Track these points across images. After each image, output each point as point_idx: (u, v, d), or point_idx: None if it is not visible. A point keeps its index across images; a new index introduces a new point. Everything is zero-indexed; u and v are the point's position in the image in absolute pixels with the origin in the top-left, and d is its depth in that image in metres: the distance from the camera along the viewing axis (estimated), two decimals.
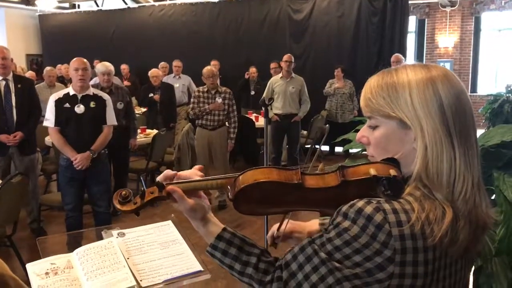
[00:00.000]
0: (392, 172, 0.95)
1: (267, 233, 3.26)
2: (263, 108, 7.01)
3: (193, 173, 1.14)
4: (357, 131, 2.17)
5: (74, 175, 4.02)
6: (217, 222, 1.13)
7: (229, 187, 1.06)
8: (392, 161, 0.99)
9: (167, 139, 6.52)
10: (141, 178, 6.18)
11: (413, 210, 0.91)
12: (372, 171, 0.96)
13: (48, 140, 5.64)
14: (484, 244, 1.57)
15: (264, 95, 6.81)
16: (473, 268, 1.63)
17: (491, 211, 1.01)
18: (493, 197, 1.72)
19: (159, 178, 1.12)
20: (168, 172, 1.14)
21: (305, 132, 7.82)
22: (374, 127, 1.03)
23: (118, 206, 1.08)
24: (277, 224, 1.35)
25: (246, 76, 8.81)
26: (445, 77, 0.99)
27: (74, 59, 4.09)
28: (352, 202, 0.94)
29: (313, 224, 1.40)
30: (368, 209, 0.91)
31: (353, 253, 0.91)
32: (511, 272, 1.55)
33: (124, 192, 1.09)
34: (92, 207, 4.31)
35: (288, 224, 1.35)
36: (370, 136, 1.04)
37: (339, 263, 0.92)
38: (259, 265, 1.05)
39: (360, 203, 0.92)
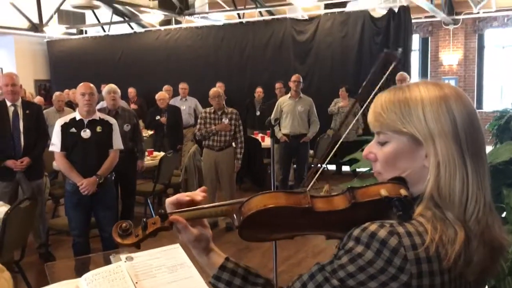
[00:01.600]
0: (403, 192, 0.93)
1: (275, 255, 3.24)
2: (271, 139, 7.05)
3: (196, 194, 1.09)
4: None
5: (80, 200, 4.01)
6: (219, 251, 1.10)
7: (234, 215, 1.02)
8: (399, 180, 0.96)
9: (173, 161, 6.54)
10: (148, 201, 6.16)
11: (427, 232, 0.89)
12: (383, 192, 0.93)
13: (56, 164, 5.66)
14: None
15: (272, 115, 6.84)
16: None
17: (505, 233, 0.99)
18: (503, 215, 1.70)
19: (167, 202, 1.08)
20: (179, 197, 1.09)
21: (311, 152, 7.81)
22: (383, 143, 1.00)
23: (118, 240, 1.02)
24: None
25: (256, 95, 8.87)
26: (458, 96, 0.98)
27: (81, 84, 4.14)
28: (364, 225, 0.90)
29: None
30: (382, 233, 0.88)
31: (368, 279, 0.87)
32: None
33: (124, 225, 1.02)
34: (99, 232, 4.30)
35: None
36: (378, 153, 1.02)
37: None
38: None
39: (373, 227, 0.89)
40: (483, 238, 0.92)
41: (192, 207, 1.06)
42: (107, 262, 1.72)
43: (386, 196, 0.92)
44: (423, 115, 0.95)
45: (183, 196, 1.08)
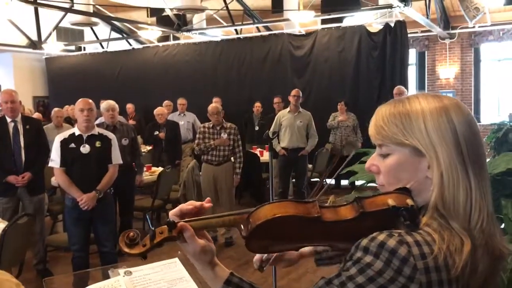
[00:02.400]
0: (409, 202, 0.93)
1: (275, 270, 3.22)
2: (269, 153, 7.05)
3: (199, 203, 1.09)
4: (362, 162, 2.18)
5: (80, 215, 4.01)
6: (223, 266, 1.08)
7: (242, 225, 1.00)
8: (404, 191, 0.97)
9: (172, 177, 6.53)
10: (147, 216, 6.14)
11: (434, 241, 0.89)
12: (391, 202, 0.93)
13: (54, 180, 5.65)
14: (499, 279, 1.54)
15: (271, 128, 6.88)
16: None
17: (505, 241, 1.00)
18: (502, 226, 1.70)
19: (171, 214, 1.05)
20: (182, 207, 1.07)
21: (310, 166, 7.82)
22: (385, 156, 1.01)
23: (126, 250, 0.99)
24: None
25: (254, 110, 8.90)
26: (457, 107, 0.99)
27: (80, 99, 4.16)
28: (372, 235, 0.90)
29: None
30: (391, 242, 0.87)
31: None
32: None
33: (131, 234, 1.00)
34: (98, 247, 4.28)
35: None
36: (381, 165, 1.02)
37: None
38: None
39: (382, 237, 0.89)
40: (487, 247, 0.93)
41: (199, 217, 1.04)
42: (106, 277, 1.71)
43: (394, 206, 0.92)
44: (425, 126, 0.96)
45: (185, 205, 1.07)
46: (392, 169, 1.00)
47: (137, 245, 1.00)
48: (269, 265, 1.34)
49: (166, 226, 1.00)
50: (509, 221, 1.49)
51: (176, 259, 1.83)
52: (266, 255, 1.29)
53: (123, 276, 1.68)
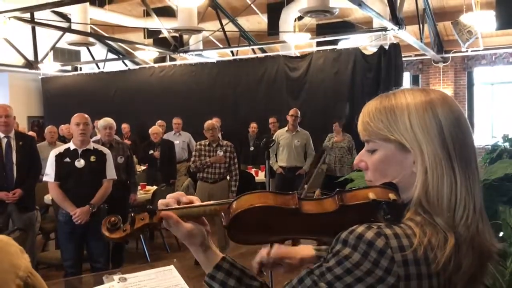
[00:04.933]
0: (392, 196, 0.93)
1: (271, 276, 3.16)
2: (266, 162, 7.01)
3: (194, 199, 1.09)
4: (359, 170, 2.17)
5: (73, 230, 3.98)
6: (217, 251, 1.07)
7: (223, 214, 1.02)
8: (391, 186, 0.97)
9: (167, 195, 6.48)
10: (141, 235, 6.04)
11: (415, 235, 0.88)
12: (371, 195, 0.93)
13: (47, 198, 5.60)
14: (495, 280, 1.53)
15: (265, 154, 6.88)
16: None
17: (495, 240, 0.98)
18: (500, 235, 1.69)
19: (159, 203, 1.06)
20: (170, 201, 1.07)
21: (306, 186, 7.80)
22: (372, 151, 1.01)
23: (107, 234, 1.01)
24: (266, 249, 1.26)
25: (250, 130, 8.92)
26: (444, 101, 0.99)
27: (76, 114, 4.17)
28: (351, 228, 0.90)
29: (306, 249, 1.32)
30: (369, 235, 0.87)
31: (355, 281, 0.86)
32: None
33: (113, 219, 1.02)
34: (90, 263, 4.22)
35: (279, 249, 1.26)
36: (368, 161, 1.02)
37: None
38: None
39: (360, 229, 0.89)
40: (472, 243, 0.92)
41: (181, 206, 1.05)
42: (100, 283, 1.68)
43: (374, 200, 0.92)
44: (409, 122, 0.96)
45: (174, 200, 1.07)
46: (378, 165, 1.00)
47: (118, 230, 1.01)
48: (269, 269, 1.30)
49: (147, 213, 1.01)
50: (508, 226, 1.49)
51: (172, 267, 1.81)
52: (265, 259, 1.25)
53: (118, 282, 1.65)
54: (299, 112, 7.05)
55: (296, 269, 1.32)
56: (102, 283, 1.65)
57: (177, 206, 1.04)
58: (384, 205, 0.91)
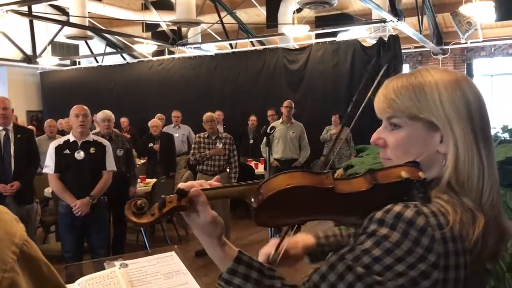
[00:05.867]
0: (421, 174, 0.91)
1: None
2: (263, 155, 6.98)
3: (215, 183, 1.03)
4: (360, 156, 2.17)
5: (73, 221, 3.98)
6: (231, 245, 0.99)
7: (252, 196, 0.95)
8: (414, 164, 0.94)
9: (167, 188, 6.48)
10: (141, 227, 6.06)
11: (448, 213, 0.87)
12: (404, 174, 0.90)
13: (47, 191, 5.60)
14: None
15: (263, 140, 6.86)
16: None
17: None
18: None
19: (182, 186, 0.98)
20: (193, 183, 0.99)
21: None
22: (394, 129, 0.98)
23: (134, 219, 0.93)
24: (271, 244, 1.19)
25: (249, 123, 8.91)
26: (468, 80, 0.97)
27: (75, 106, 4.16)
28: (386, 207, 0.87)
29: (306, 238, 1.28)
30: (408, 213, 0.85)
31: (395, 262, 0.83)
32: None
33: (139, 202, 0.94)
34: (91, 255, 4.23)
35: (284, 242, 1.15)
36: (388, 138, 0.99)
37: (380, 275, 0.83)
38: None
39: (398, 208, 0.86)
40: (496, 223, 0.92)
41: (209, 187, 0.99)
42: (101, 269, 1.68)
43: (408, 178, 0.90)
44: (440, 100, 0.93)
45: (196, 182, 1.00)
46: (402, 143, 0.97)
47: (144, 214, 0.94)
48: (277, 265, 1.19)
49: (175, 194, 0.94)
50: (509, 209, 1.49)
51: (173, 253, 1.81)
52: (272, 256, 1.17)
53: (119, 268, 1.65)
54: (293, 104, 7.02)
55: (301, 259, 1.28)
56: (103, 269, 1.64)
57: (207, 187, 0.98)
58: (417, 183, 0.89)
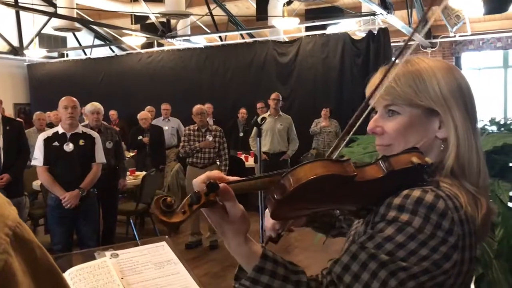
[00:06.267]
0: (428, 160, 0.92)
1: None
2: (252, 148, 6.96)
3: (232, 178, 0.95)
4: (350, 146, 2.18)
5: (63, 214, 3.95)
6: (254, 240, 0.93)
7: (274, 188, 0.90)
8: (415, 150, 0.95)
9: (156, 180, 6.47)
10: (131, 220, 6.06)
11: (458, 196, 0.90)
12: (415, 160, 0.91)
13: (36, 184, 5.55)
14: (483, 250, 1.56)
15: (252, 133, 6.87)
16: (474, 277, 1.61)
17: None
18: None
19: (200, 179, 0.90)
20: (214, 173, 0.92)
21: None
22: (393, 116, 0.99)
23: (164, 218, 0.85)
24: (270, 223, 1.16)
25: (239, 116, 8.91)
26: (457, 68, 1.00)
27: (64, 97, 4.12)
28: (404, 193, 0.88)
29: None
30: (429, 198, 0.86)
31: (419, 246, 0.84)
32: None
33: (169, 199, 0.86)
34: (80, 247, 4.21)
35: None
36: (386, 126, 1.00)
37: (404, 261, 0.84)
38: (310, 284, 0.90)
39: (417, 193, 0.87)
40: (490, 204, 0.96)
41: (235, 180, 0.92)
42: (91, 259, 1.67)
43: (419, 163, 0.90)
44: (439, 87, 0.95)
45: (213, 173, 0.92)
46: (401, 130, 0.98)
47: (175, 213, 0.86)
48: (286, 232, 1.19)
49: (205, 188, 0.86)
50: (497, 197, 1.52)
51: (164, 243, 1.81)
52: (279, 226, 1.16)
53: (110, 258, 1.65)
54: (280, 96, 7.00)
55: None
56: (93, 259, 1.64)
57: (232, 180, 0.91)
58: (427, 168, 0.91)
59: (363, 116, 1.00)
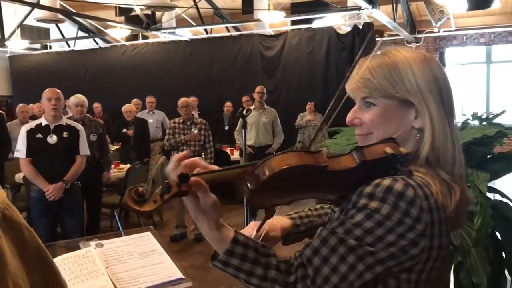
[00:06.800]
0: (403, 150, 0.95)
1: None
2: (237, 142, 6.95)
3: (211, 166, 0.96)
4: (334, 138, 2.20)
5: (46, 206, 3.92)
6: (227, 225, 0.98)
7: (247, 178, 0.93)
8: (392, 141, 0.98)
9: (141, 173, 6.44)
10: (115, 213, 6.04)
11: (430, 184, 0.92)
12: (388, 150, 0.93)
13: (18, 177, 5.49)
14: (462, 239, 1.59)
15: (237, 127, 6.87)
16: (453, 265, 1.65)
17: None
18: None
19: (171, 167, 0.93)
20: (196, 160, 0.94)
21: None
22: (370, 107, 1.01)
23: (136, 207, 0.87)
24: (252, 227, 1.19)
25: (225, 109, 8.90)
26: (433, 58, 1.03)
27: (47, 89, 4.07)
28: (375, 182, 0.91)
29: (282, 219, 1.28)
30: (398, 186, 0.89)
31: (386, 233, 0.87)
32: (489, 265, 1.58)
33: (140, 189, 0.88)
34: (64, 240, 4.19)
35: (264, 225, 1.15)
36: (364, 117, 1.02)
37: (371, 246, 0.88)
38: (279, 266, 0.93)
39: (387, 182, 0.90)
40: (464, 191, 0.98)
41: (205, 171, 0.93)
42: (76, 249, 1.67)
43: (392, 154, 0.93)
44: (414, 78, 0.97)
45: (181, 155, 0.95)
46: (377, 120, 1.00)
47: (147, 202, 0.88)
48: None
49: (176, 179, 0.87)
50: (476, 188, 1.55)
51: (148, 233, 1.82)
52: (255, 234, 1.17)
53: (94, 248, 1.65)
54: (265, 89, 7.01)
55: (278, 241, 1.27)
56: (78, 249, 1.64)
57: (205, 171, 0.93)
58: (400, 158, 0.93)
59: (338, 107, 1.02)
